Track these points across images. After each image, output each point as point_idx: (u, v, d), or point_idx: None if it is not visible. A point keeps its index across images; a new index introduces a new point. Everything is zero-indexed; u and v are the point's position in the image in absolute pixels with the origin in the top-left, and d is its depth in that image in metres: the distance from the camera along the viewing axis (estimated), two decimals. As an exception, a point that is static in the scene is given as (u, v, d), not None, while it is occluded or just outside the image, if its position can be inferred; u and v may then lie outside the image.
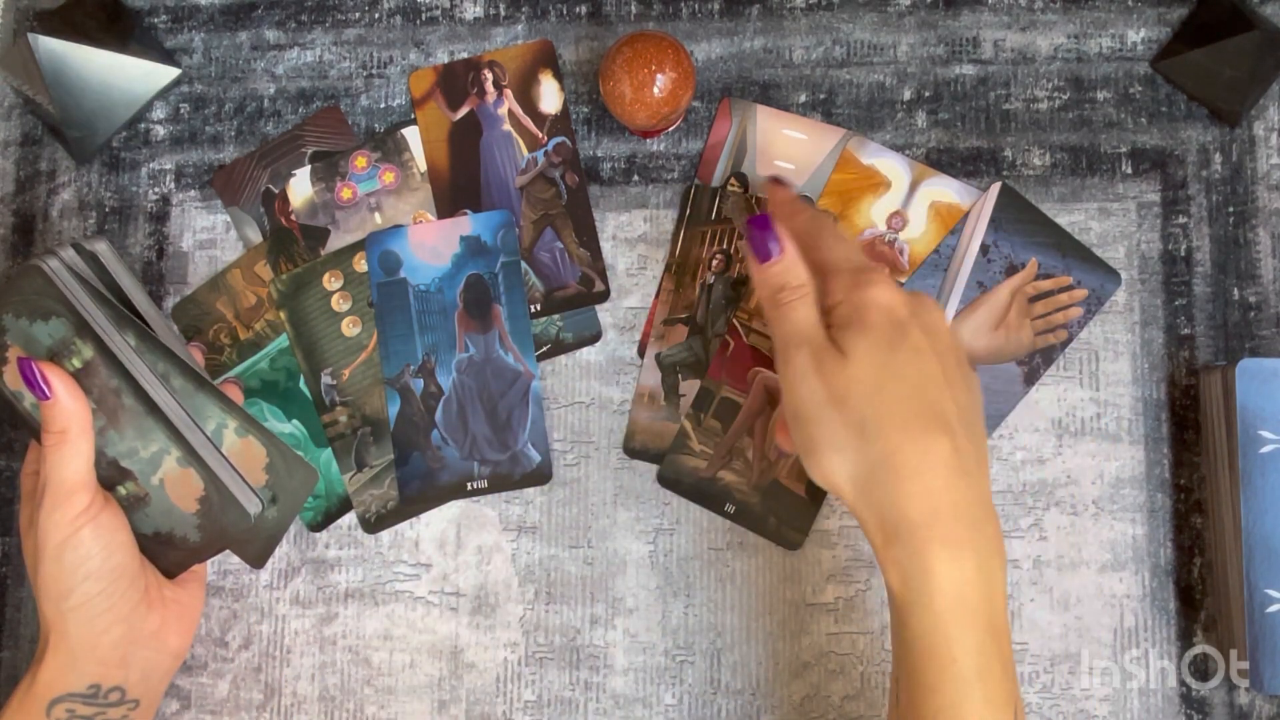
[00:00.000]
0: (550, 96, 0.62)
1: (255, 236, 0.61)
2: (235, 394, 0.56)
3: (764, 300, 0.48)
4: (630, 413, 0.60)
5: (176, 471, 0.51)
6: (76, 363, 0.50)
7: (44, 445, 0.49)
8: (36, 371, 0.49)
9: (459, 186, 0.61)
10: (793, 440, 0.47)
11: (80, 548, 0.49)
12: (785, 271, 0.47)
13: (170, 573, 0.54)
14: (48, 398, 0.49)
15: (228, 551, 0.53)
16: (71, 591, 0.49)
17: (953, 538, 0.43)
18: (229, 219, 0.62)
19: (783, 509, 0.58)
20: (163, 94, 0.63)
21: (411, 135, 0.62)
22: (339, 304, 0.60)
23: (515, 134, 0.61)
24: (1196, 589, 0.57)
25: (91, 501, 0.50)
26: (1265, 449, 0.53)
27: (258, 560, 0.53)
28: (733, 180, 0.60)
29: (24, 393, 0.50)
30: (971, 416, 0.46)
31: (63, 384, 0.49)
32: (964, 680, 0.43)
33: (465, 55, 0.62)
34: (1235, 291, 0.59)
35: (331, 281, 0.61)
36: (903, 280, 0.59)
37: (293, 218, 0.61)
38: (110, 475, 0.51)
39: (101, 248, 0.53)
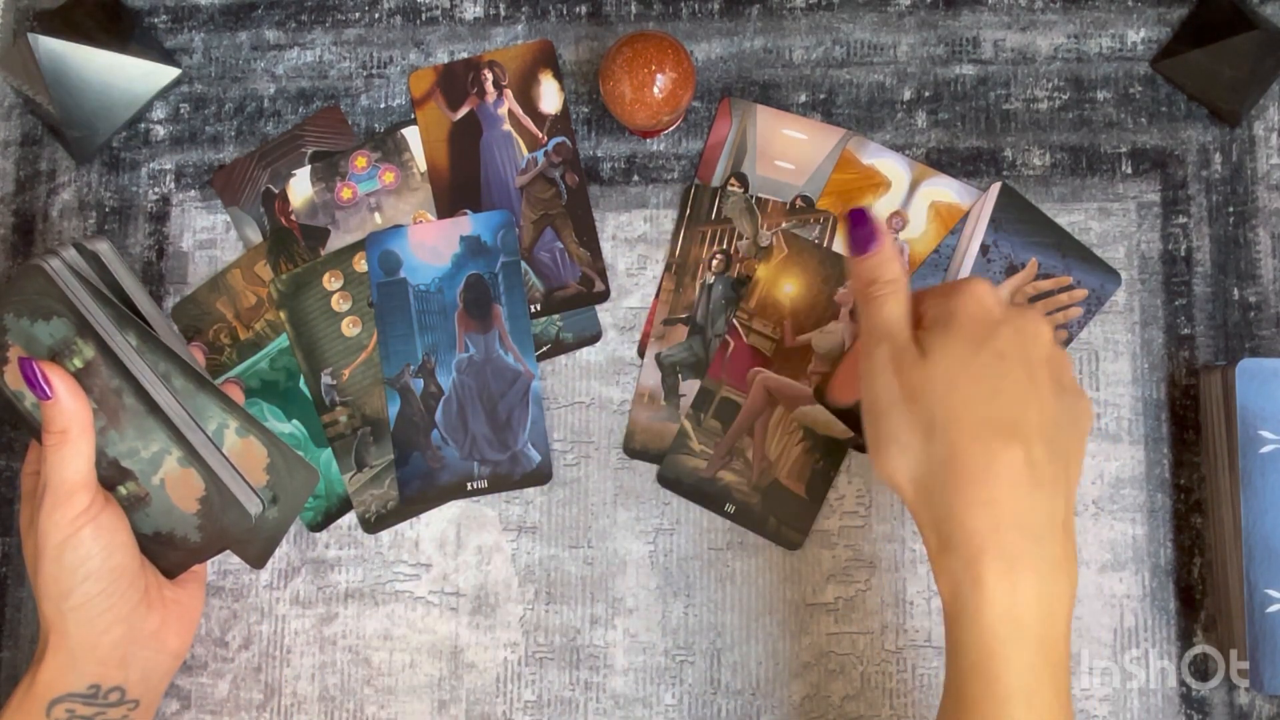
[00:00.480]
0: (550, 96, 0.62)
1: (255, 236, 0.61)
2: (236, 394, 0.56)
3: (856, 293, 0.48)
4: (630, 413, 0.60)
5: (177, 471, 0.51)
6: (78, 362, 0.50)
7: (44, 445, 0.49)
8: (37, 371, 0.49)
9: (459, 186, 0.61)
10: (865, 434, 0.46)
11: (80, 548, 0.49)
12: (880, 265, 0.47)
13: (170, 573, 0.54)
14: (48, 397, 0.49)
15: (228, 551, 0.53)
16: (71, 591, 0.49)
17: (1011, 552, 0.41)
18: (229, 219, 0.62)
19: (783, 509, 0.58)
20: (163, 94, 0.63)
21: (411, 135, 0.62)
22: (339, 304, 0.60)
23: (515, 134, 0.61)
24: (1196, 589, 0.57)
25: (92, 501, 0.49)
26: (1265, 449, 0.53)
27: (258, 560, 0.53)
28: (733, 180, 0.60)
29: (25, 392, 0.50)
30: (1056, 431, 0.43)
31: (64, 384, 0.49)
32: (1006, 701, 0.41)
33: (465, 55, 0.62)
34: (1235, 291, 0.59)
35: (331, 281, 0.61)
36: (903, 280, 0.59)
37: (293, 218, 0.61)
38: (111, 475, 0.51)
39: (103, 248, 0.53)
